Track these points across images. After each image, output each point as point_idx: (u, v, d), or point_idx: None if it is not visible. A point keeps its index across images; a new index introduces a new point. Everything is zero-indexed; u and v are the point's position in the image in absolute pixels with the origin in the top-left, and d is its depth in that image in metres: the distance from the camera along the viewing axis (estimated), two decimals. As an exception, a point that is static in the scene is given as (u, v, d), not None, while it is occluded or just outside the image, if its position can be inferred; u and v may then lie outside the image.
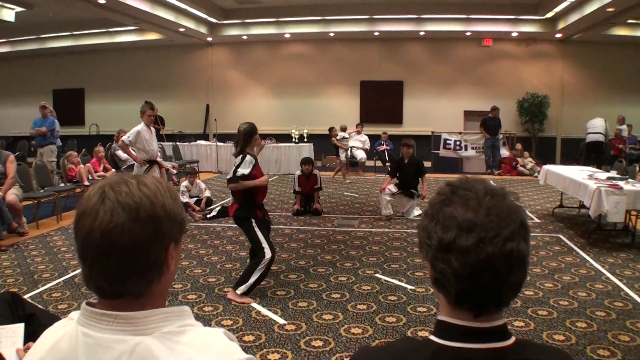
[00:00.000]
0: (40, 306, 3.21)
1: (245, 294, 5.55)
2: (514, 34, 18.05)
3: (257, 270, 5.56)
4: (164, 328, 1.17)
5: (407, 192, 10.02)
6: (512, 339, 1.22)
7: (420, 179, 10.06)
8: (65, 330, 1.21)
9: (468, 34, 18.23)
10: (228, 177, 5.91)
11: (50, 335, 1.24)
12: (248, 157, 5.85)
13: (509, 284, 1.19)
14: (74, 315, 1.23)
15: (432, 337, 1.24)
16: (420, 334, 4.72)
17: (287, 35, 19.24)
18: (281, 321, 5.01)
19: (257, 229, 5.68)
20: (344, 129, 16.30)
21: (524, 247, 1.19)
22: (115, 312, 1.17)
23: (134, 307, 1.18)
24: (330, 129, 16.38)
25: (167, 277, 1.24)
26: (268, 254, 5.59)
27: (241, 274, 5.77)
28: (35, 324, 2.75)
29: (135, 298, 1.19)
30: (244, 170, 5.74)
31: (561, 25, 16.45)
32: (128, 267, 1.16)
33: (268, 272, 5.74)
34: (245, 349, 4.35)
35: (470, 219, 1.17)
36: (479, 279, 1.16)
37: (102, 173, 11.71)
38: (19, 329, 2.54)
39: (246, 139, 5.97)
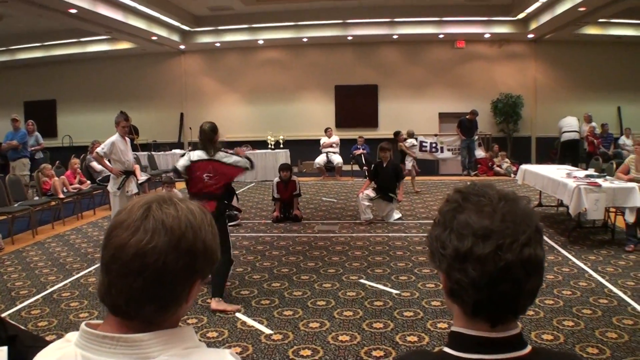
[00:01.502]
0: (22, 327, 3.09)
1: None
2: (487, 36, 18.16)
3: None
4: (169, 350, 1.11)
5: (385, 196, 10.00)
6: (529, 348, 1.17)
7: (397, 183, 10.06)
8: (63, 353, 1.14)
9: (441, 36, 18.30)
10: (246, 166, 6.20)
11: (46, 358, 1.16)
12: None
13: (527, 291, 1.15)
14: (71, 337, 1.16)
15: (447, 349, 1.19)
16: (408, 339, 4.68)
17: (261, 42, 19.15)
18: (267, 331, 4.95)
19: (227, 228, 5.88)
20: (411, 135, 15.09)
21: (540, 252, 1.16)
22: (118, 335, 1.10)
23: (141, 330, 1.12)
24: (397, 134, 15.14)
25: (183, 310, 1.18)
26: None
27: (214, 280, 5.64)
28: (19, 346, 2.65)
29: (148, 324, 1.13)
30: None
31: (533, 25, 16.58)
32: (151, 292, 1.10)
33: None
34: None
35: (487, 225, 1.13)
36: (497, 288, 1.12)
37: (77, 185, 11.53)
38: (1, 352, 2.45)
39: (211, 137, 6.14)
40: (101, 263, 1.15)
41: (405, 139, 14.44)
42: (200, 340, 3.61)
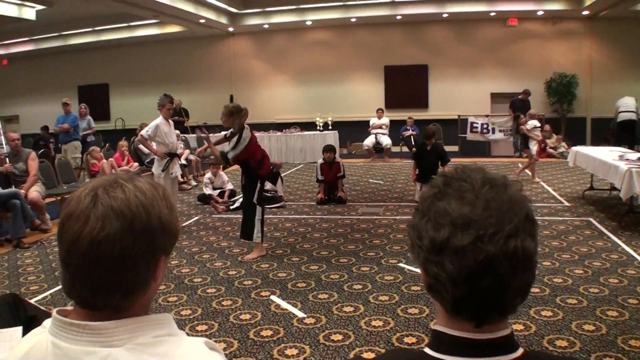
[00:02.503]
0: (42, 308, 3.13)
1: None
2: (540, 13, 17.61)
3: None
4: (136, 339, 1.07)
5: (427, 179, 9.77)
6: (520, 351, 1.06)
7: (443, 166, 9.84)
8: (37, 340, 1.12)
9: (492, 14, 17.84)
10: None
11: (24, 345, 1.14)
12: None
13: (514, 288, 1.03)
14: (47, 323, 1.13)
15: (427, 350, 1.09)
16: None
17: (309, 22, 19.04)
18: (300, 314, 4.90)
19: None
20: (533, 116, 13.68)
21: (530, 244, 1.02)
22: (84, 322, 1.06)
23: (112, 318, 1.07)
24: (517, 117, 14.62)
25: (152, 290, 1.14)
26: None
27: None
28: (36, 326, 2.68)
29: (117, 311, 1.09)
30: None
31: (588, 1, 15.97)
32: (115, 279, 1.06)
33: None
34: (263, 344, 4.28)
35: (466, 214, 1.01)
36: (478, 284, 1.00)
37: (125, 167, 11.72)
38: (16, 332, 2.47)
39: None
40: (59, 258, 1.11)
41: (526, 121, 13.30)
42: (233, 322, 3.60)
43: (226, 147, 7.08)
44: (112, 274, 1.06)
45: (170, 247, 1.16)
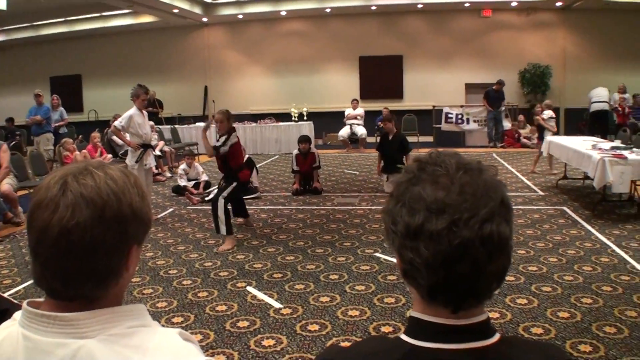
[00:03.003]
0: (15, 301, 3.06)
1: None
2: (514, 4, 17.73)
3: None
4: (109, 330, 1.04)
5: (392, 168, 9.75)
6: (496, 337, 1.05)
7: (404, 156, 9.87)
8: (8, 332, 1.09)
9: (467, 5, 17.92)
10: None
11: None
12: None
13: (490, 273, 1.02)
14: (17, 315, 1.10)
15: (404, 337, 1.08)
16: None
17: (283, 13, 18.96)
18: (277, 305, 4.88)
19: None
20: (549, 106, 13.07)
21: (505, 229, 1.01)
22: (55, 314, 1.03)
23: (84, 309, 1.05)
24: (533, 107, 14.28)
25: (125, 279, 1.12)
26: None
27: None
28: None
29: (89, 301, 1.06)
30: None
31: (561, -8, 16.13)
32: (86, 269, 1.03)
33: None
34: (240, 335, 4.25)
35: (441, 198, 0.99)
36: (454, 269, 0.99)
37: (98, 159, 11.58)
38: (-12, 326, 2.42)
39: None
40: (29, 248, 1.07)
41: (542, 111, 12.90)
42: (209, 313, 3.57)
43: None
44: (83, 263, 1.03)
45: (143, 235, 1.13)
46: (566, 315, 4.43)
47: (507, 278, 5.20)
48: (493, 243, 1.00)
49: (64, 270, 1.03)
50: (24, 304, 1.08)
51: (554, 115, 12.87)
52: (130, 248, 1.09)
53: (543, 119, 12.54)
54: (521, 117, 16.90)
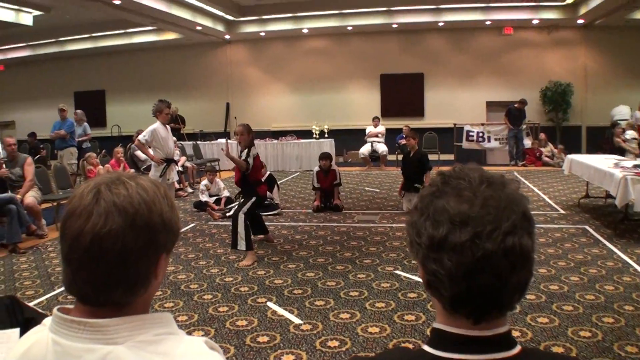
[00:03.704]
0: (40, 310, 3.14)
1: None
2: (535, 22, 17.69)
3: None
4: (137, 337, 1.08)
5: (409, 186, 9.75)
6: (518, 348, 1.07)
7: (425, 174, 9.77)
8: (37, 337, 1.13)
9: (488, 23, 17.92)
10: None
11: (24, 342, 1.15)
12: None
13: (512, 285, 1.04)
14: (47, 321, 1.14)
15: (427, 348, 1.10)
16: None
17: (305, 31, 19.10)
18: (297, 321, 4.90)
19: None
20: (632, 126, 11.80)
21: (527, 241, 1.04)
22: (85, 320, 1.07)
23: (113, 315, 1.08)
24: (614, 125, 13.16)
25: (153, 287, 1.15)
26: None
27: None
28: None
29: (118, 307, 1.10)
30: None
31: (583, 10, 16.05)
32: (117, 275, 1.07)
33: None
34: (260, 350, 4.27)
35: (464, 211, 1.03)
36: (476, 280, 1.02)
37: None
38: (14, 334, 2.47)
39: None
40: (61, 254, 1.11)
41: (623, 130, 11.85)
42: (229, 328, 3.60)
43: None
44: (114, 270, 1.06)
45: (171, 245, 1.17)
46: (587, 334, 4.40)
47: (528, 297, 5.21)
48: (515, 255, 1.02)
49: (95, 277, 1.07)
50: (55, 310, 1.11)
51: (636, 136, 11.85)
52: (159, 256, 1.13)
53: (624, 140, 11.63)
54: (542, 136, 16.81)
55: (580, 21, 17.21)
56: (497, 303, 1.05)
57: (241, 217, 6.89)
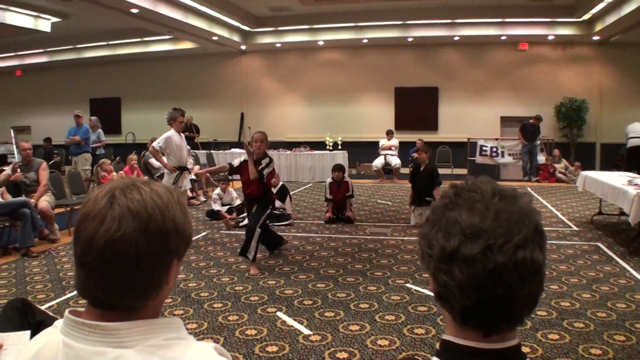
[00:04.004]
0: (51, 313, 3.16)
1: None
2: (550, 37, 17.69)
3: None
4: (147, 341, 1.09)
5: (421, 201, 9.71)
6: None
7: (434, 187, 9.68)
8: (49, 339, 1.15)
9: (503, 38, 17.93)
10: None
11: (35, 343, 1.17)
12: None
13: (522, 298, 1.05)
14: (59, 323, 1.16)
15: (435, 359, 1.11)
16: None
17: (321, 43, 19.19)
18: (306, 331, 4.89)
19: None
20: None
21: (538, 255, 1.05)
22: (96, 323, 1.09)
23: (124, 319, 1.10)
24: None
25: (164, 292, 1.17)
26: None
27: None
28: (45, 331, 2.71)
29: (130, 311, 1.11)
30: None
31: (598, 27, 16.03)
32: (129, 279, 1.08)
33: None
34: (268, 360, 4.26)
35: (476, 224, 1.03)
36: (487, 293, 1.02)
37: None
38: (25, 336, 2.49)
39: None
40: (74, 257, 1.13)
41: None
42: (238, 337, 3.60)
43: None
44: (126, 274, 1.08)
45: (183, 250, 1.18)
46: (598, 352, 4.36)
47: (539, 313, 5.18)
48: (526, 268, 1.03)
49: (107, 280, 1.08)
50: (66, 312, 1.13)
51: None
52: (171, 262, 1.14)
53: None
54: (556, 152, 16.74)
55: (595, 37, 17.19)
56: (506, 316, 1.06)
57: (258, 231, 6.90)
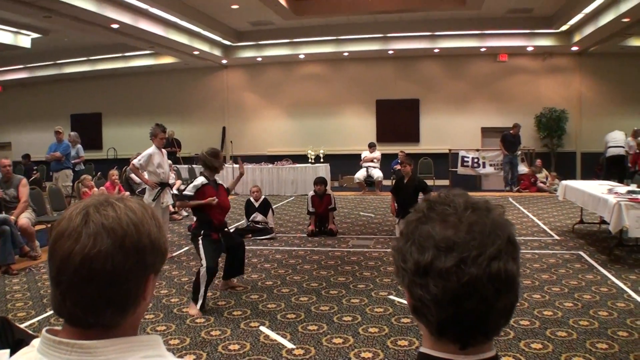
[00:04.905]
0: (30, 332, 3.11)
1: (202, 306, 5.84)
2: (530, 49, 17.85)
3: (201, 283, 5.85)
4: (125, 359, 1.08)
5: (405, 213, 9.53)
6: None
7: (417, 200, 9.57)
8: (26, 358, 1.12)
9: (483, 49, 18.08)
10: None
11: None
12: (199, 179, 6.51)
13: (498, 310, 1.04)
14: (36, 342, 1.14)
15: (413, 372, 1.10)
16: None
17: (302, 56, 19.22)
18: (290, 345, 4.87)
19: (201, 245, 6.13)
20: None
21: (512, 266, 1.05)
22: (73, 341, 1.07)
23: (102, 337, 1.08)
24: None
25: (142, 308, 1.16)
26: (203, 267, 5.92)
27: (192, 289, 6.02)
28: (24, 351, 2.66)
29: (107, 329, 1.10)
30: (188, 191, 6.45)
31: (577, 37, 16.21)
32: (106, 296, 1.07)
33: (211, 282, 6.08)
34: (252, 376, 4.22)
35: (450, 237, 1.03)
36: (462, 306, 1.02)
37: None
38: (4, 355, 2.45)
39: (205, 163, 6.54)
40: (50, 276, 1.12)
41: None
42: (221, 352, 3.57)
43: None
44: (103, 291, 1.07)
45: (160, 265, 1.17)
46: (581, 360, 4.38)
47: (522, 322, 5.20)
48: (500, 280, 1.03)
49: (84, 298, 1.07)
50: (43, 331, 1.11)
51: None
52: (148, 277, 1.13)
53: None
54: (538, 162, 16.86)
55: (574, 48, 17.39)
56: (483, 328, 1.05)
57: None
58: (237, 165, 8.02)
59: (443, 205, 1.09)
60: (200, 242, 6.15)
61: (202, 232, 6.20)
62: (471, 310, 1.03)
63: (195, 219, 6.73)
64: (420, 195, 9.29)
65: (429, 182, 14.93)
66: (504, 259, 1.03)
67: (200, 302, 5.81)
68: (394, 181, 15.01)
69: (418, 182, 9.48)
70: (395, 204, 9.77)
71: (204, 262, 5.98)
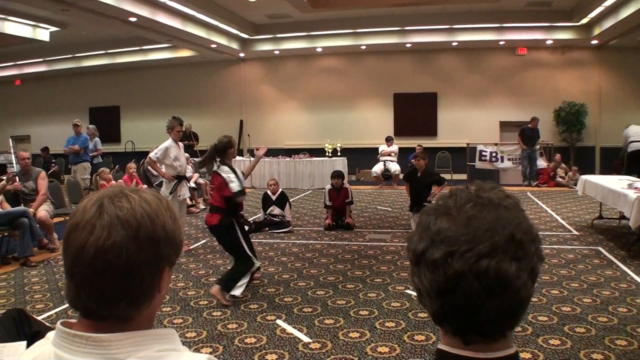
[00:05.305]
0: (47, 324, 3.14)
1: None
2: (549, 42, 17.69)
3: (246, 275, 5.92)
4: (139, 352, 1.07)
5: (419, 207, 9.47)
6: None
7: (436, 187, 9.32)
8: (41, 351, 1.13)
9: (502, 43, 17.94)
10: (235, 190, 6.01)
11: (28, 356, 1.15)
12: (225, 168, 6.13)
13: (491, 311, 1.00)
14: (51, 335, 1.14)
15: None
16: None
17: (319, 49, 19.19)
18: (306, 339, 4.86)
19: (241, 237, 6.08)
20: None
21: (507, 266, 0.99)
22: (88, 334, 1.07)
23: (116, 330, 1.08)
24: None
25: (157, 301, 1.15)
26: (254, 262, 6.04)
27: (228, 276, 6.00)
28: (41, 342, 2.68)
29: (122, 321, 1.09)
30: (238, 186, 6.04)
31: (596, 31, 16.03)
32: (120, 289, 1.07)
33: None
34: (268, 369, 4.23)
35: (444, 229, 1.02)
36: (448, 300, 1.01)
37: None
38: (20, 347, 2.48)
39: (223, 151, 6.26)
40: (64, 268, 1.11)
41: None
42: (238, 345, 3.58)
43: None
44: (118, 283, 1.06)
45: (174, 257, 1.16)
46: (600, 357, 4.33)
47: (540, 318, 5.15)
48: (489, 279, 0.99)
49: (98, 290, 1.06)
50: (58, 324, 1.11)
51: None
52: (163, 269, 1.13)
53: None
54: (558, 157, 16.71)
55: (594, 42, 17.19)
56: (474, 326, 1.02)
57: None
58: (253, 159, 7.91)
59: (449, 198, 1.08)
60: (238, 233, 6.08)
61: (234, 220, 6.10)
62: (458, 307, 1.01)
63: (209, 210, 6.53)
64: (434, 188, 9.27)
65: (447, 177, 14.89)
66: (498, 258, 0.99)
67: (238, 290, 5.85)
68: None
69: (430, 176, 9.43)
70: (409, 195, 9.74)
71: (249, 254, 6.04)
